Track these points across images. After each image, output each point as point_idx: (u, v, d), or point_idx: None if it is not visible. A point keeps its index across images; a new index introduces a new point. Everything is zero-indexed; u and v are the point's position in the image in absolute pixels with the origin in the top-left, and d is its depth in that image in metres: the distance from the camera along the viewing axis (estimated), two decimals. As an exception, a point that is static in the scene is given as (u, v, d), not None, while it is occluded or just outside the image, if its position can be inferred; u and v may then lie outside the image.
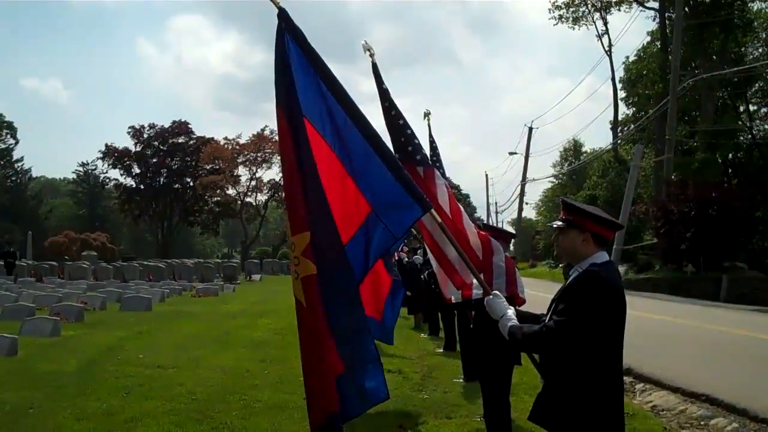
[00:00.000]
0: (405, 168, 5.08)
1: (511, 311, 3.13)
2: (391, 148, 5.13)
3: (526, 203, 63.69)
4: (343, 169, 3.55)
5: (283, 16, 3.46)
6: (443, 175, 5.77)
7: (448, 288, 5.26)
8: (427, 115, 6.34)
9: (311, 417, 3.31)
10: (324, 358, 3.27)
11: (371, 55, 4.51)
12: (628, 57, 42.31)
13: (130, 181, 63.91)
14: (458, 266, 4.93)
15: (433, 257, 5.30)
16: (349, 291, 3.49)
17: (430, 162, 5.55)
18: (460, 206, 5.48)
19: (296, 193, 3.36)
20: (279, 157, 50.26)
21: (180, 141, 63.07)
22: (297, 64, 3.46)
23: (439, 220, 3.74)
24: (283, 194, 3.53)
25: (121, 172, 63.42)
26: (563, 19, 45.11)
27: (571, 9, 44.73)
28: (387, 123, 5.13)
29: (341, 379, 3.32)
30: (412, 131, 5.23)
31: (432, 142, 6.39)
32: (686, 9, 31.28)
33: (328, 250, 3.37)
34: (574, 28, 45.55)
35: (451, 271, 5.06)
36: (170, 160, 62.90)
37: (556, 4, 44.97)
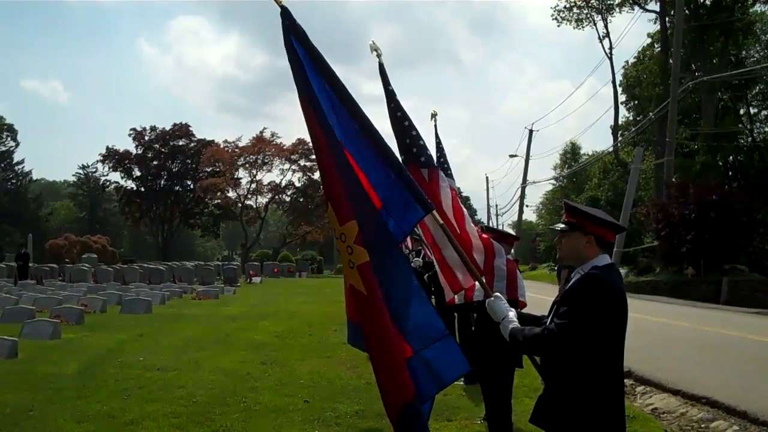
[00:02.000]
0: (409, 169, 5.09)
1: (512, 313, 3.13)
2: (396, 149, 5.14)
3: (527, 206, 63.75)
4: (356, 165, 3.58)
5: (285, 15, 3.46)
6: (450, 176, 5.76)
7: (449, 290, 5.25)
8: (434, 116, 6.33)
9: (388, 412, 3.30)
10: (392, 344, 3.28)
11: (378, 56, 4.49)
12: (627, 61, 42.42)
13: (130, 184, 64.06)
14: (458, 269, 4.93)
15: (434, 259, 5.29)
16: (401, 274, 3.51)
17: (436, 163, 5.54)
18: (464, 208, 5.47)
19: (337, 184, 3.39)
20: (279, 160, 50.27)
21: (180, 143, 63.18)
22: (302, 64, 3.48)
23: (441, 221, 3.73)
24: (323, 185, 3.56)
25: (122, 174, 63.58)
26: (566, 21, 45.27)
27: (574, 12, 44.84)
28: (392, 124, 5.11)
29: (411, 361, 3.34)
30: (417, 132, 5.21)
31: (438, 143, 6.38)
32: (687, 11, 31.32)
33: (374, 237, 3.40)
34: (580, 28, 45.65)
35: (451, 274, 5.06)
36: (171, 162, 63.00)
37: (557, 8, 45.12)
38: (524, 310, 4.27)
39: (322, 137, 3.44)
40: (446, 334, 3.48)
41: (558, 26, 57.28)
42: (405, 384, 3.25)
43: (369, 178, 3.57)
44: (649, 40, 40.73)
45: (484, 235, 5.52)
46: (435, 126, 6.34)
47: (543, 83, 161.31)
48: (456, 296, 5.58)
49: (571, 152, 61.69)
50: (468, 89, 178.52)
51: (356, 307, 3.40)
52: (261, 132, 54.10)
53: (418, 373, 3.35)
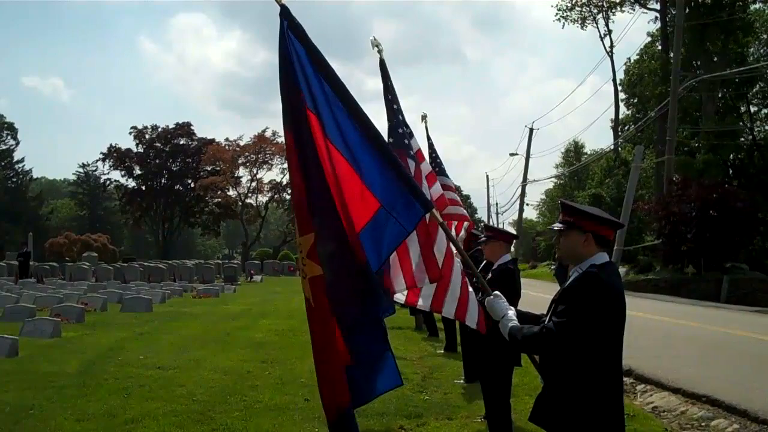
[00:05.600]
0: (400, 156, 5.09)
1: (511, 312, 3.13)
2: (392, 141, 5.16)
3: (527, 204, 63.79)
4: (349, 167, 3.55)
5: (285, 13, 3.44)
6: (444, 173, 5.79)
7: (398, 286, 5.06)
8: (424, 118, 6.38)
9: (327, 414, 3.45)
10: (334, 352, 3.39)
11: (379, 51, 4.49)
12: (629, 58, 42.44)
13: (131, 183, 64.11)
14: (417, 269, 4.79)
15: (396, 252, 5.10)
16: (358, 287, 3.55)
17: (429, 161, 5.57)
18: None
19: (301, 195, 3.39)
20: (280, 158, 50.38)
21: (181, 142, 63.23)
22: (302, 62, 3.46)
23: (441, 219, 3.72)
24: (290, 196, 3.56)
25: (123, 173, 63.63)
26: (569, 20, 45.46)
27: (576, 10, 45.00)
28: (388, 114, 5.14)
29: (350, 369, 3.46)
30: (408, 128, 5.26)
31: (431, 145, 6.42)
32: (687, 10, 31.29)
33: (334, 251, 3.41)
34: (584, 28, 45.79)
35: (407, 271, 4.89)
36: (171, 161, 63.02)
37: (559, 6, 45.23)
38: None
39: (294, 147, 3.42)
40: (388, 347, 3.64)
41: (562, 28, 58.13)
42: (343, 392, 3.38)
43: (364, 178, 3.54)
44: (649, 39, 40.74)
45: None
46: (426, 128, 6.39)
47: (547, 81, 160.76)
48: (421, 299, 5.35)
49: (575, 150, 61.70)
50: (471, 87, 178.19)
51: (307, 315, 3.50)
52: (263, 131, 54.17)
53: (355, 380, 3.48)
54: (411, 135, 5.50)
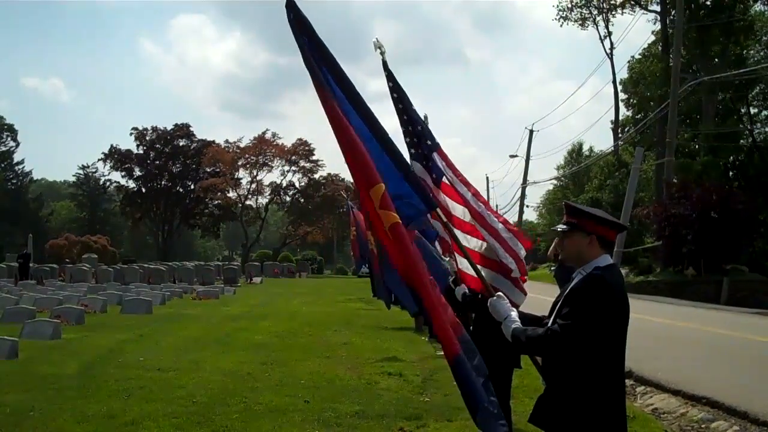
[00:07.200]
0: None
1: (514, 313, 3.13)
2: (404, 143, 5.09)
3: (527, 206, 63.73)
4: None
5: (290, 5, 3.42)
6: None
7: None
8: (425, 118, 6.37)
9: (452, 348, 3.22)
10: (441, 300, 3.29)
11: (382, 53, 4.47)
12: (633, 57, 42.34)
13: (131, 184, 64.13)
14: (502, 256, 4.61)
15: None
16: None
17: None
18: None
19: (361, 149, 3.32)
20: (280, 160, 50.06)
21: (181, 144, 63.27)
22: (306, 55, 3.44)
23: (444, 220, 3.73)
24: (345, 153, 3.38)
25: (123, 174, 63.67)
26: (569, 21, 45.58)
27: (576, 11, 45.11)
28: (412, 115, 5.05)
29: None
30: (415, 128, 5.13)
31: None
32: (687, 12, 31.31)
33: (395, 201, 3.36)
34: (584, 28, 45.87)
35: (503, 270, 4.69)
36: (171, 163, 63.05)
37: (559, 6, 45.32)
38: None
39: (341, 114, 3.36)
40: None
41: (560, 26, 58.45)
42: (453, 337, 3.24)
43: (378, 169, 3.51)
44: (653, 38, 40.70)
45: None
46: None
47: (548, 82, 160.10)
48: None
49: (578, 151, 61.69)
50: (472, 87, 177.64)
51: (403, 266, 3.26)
52: (263, 133, 54.25)
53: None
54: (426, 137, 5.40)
